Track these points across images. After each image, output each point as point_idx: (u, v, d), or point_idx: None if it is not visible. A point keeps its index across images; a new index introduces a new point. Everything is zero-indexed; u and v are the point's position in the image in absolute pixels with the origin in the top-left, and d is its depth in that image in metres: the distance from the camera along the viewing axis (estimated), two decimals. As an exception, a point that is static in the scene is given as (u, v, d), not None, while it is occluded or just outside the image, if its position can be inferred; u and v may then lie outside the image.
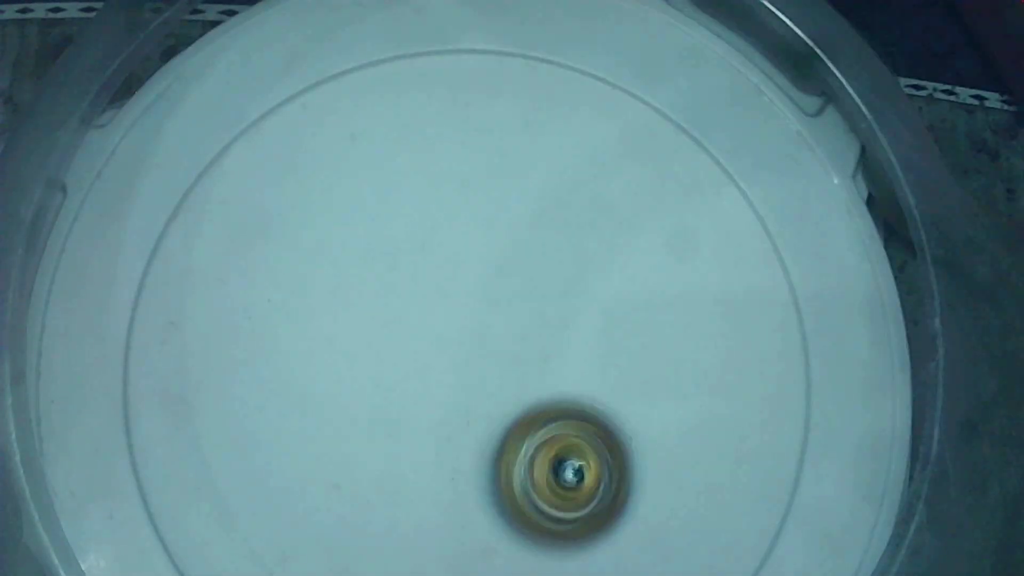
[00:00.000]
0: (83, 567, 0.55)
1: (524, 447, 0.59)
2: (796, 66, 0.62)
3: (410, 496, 0.59)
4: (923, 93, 0.76)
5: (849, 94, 0.59)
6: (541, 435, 0.59)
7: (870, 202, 0.62)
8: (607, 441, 0.59)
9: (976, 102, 0.76)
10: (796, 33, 0.60)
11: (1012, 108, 0.76)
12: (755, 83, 0.62)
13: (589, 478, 0.58)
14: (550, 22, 0.62)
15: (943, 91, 0.76)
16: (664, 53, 0.62)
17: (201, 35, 0.62)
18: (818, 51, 0.60)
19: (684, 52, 0.62)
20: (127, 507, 0.57)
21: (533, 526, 0.58)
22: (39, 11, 0.72)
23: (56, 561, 0.54)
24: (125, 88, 0.60)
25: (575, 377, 0.60)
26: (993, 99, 0.76)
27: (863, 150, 0.62)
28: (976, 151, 0.75)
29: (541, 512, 0.58)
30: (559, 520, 0.59)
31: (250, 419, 0.58)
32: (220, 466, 0.58)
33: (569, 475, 0.58)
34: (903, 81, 0.75)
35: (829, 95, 0.62)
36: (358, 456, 0.59)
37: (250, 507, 0.57)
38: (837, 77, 0.60)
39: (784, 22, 0.60)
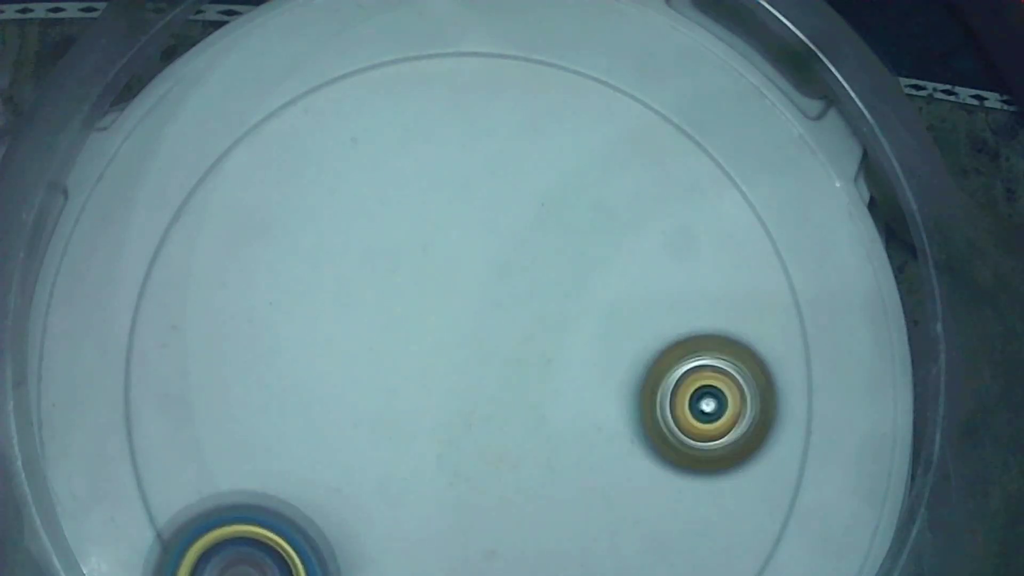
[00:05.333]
0: (84, 570, 0.55)
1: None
2: (798, 69, 0.61)
3: (411, 500, 0.59)
4: (923, 93, 0.76)
5: (850, 97, 0.59)
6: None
7: (872, 205, 0.62)
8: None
9: (976, 102, 0.76)
10: (797, 35, 0.59)
11: (1012, 108, 0.76)
12: (756, 86, 0.62)
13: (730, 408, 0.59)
14: (551, 24, 0.62)
15: (943, 91, 0.76)
16: (665, 55, 0.62)
17: (201, 35, 0.62)
18: (819, 53, 0.59)
19: (685, 54, 0.62)
20: (128, 510, 0.57)
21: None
22: (39, 11, 0.72)
23: (57, 564, 0.55)
24: (127, 91, 0.60)
25: (576, 379, 0.60)
26: (993, 99, 0.76)
27: (865, 154, 0.62)
28: (976, 151, 0.75)
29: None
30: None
31: (251, 422, 0.59)
32: (221, 470, 0.58)
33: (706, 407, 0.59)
34: (903, 81, 0.75)
35: (831, 98, 0.61)
36: (359, 460, 0.59)
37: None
38: (838, 79, 0.59)
39: (784, 24, 0.60)
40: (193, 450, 0.58)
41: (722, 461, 0.59)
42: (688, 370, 0.59)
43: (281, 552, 0.57)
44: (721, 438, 0.59)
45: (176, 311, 0.59)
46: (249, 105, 0.60)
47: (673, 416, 0.58)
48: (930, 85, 0.76)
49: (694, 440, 0.59)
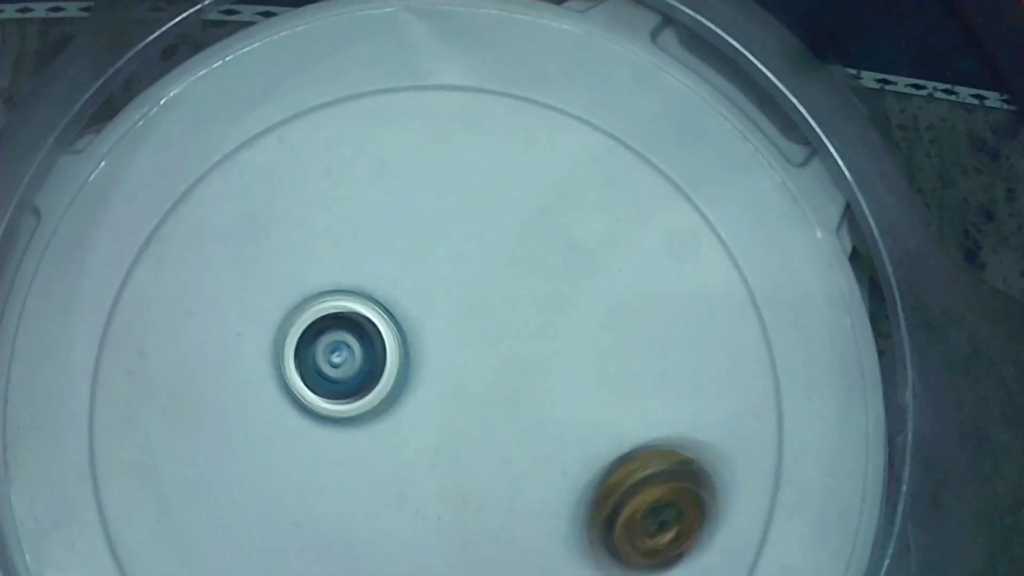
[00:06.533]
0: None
1: None
2: (782, 113, 0.61)
3: (372, 535, 0.59)
4: (923, 93, 0.75)
5: (830, 153, 0.58)
6: None
7: (855, 256, 0.61)
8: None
9: (976, 102, 0.75)
10: (777, 85, 0.59)
11: (1012, 108, 0.75)
12: (740, 130, 0.61)
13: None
14: (533, 60, 0.61)
15: (943, 91, 0.76)
16: (649, 97, 0.61)
17: (203, 35, 0.63)
18: (800, 107, 0.59)
19: (668, 96, 0.61)
20: (88, 536, 0.57)
21: None
22: (39, 11, 0.72)
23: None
24: (107, 108, 0.60)
25: (543, 423, 0.60)
26: (993, 99, 0.76)
27: (848, 204, 0.61)
28: (976, 151, 0.74)
29: None
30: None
31: (213, 453, 0.58)
32: (182, 499, 0.58)
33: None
34: (903, 81, 0.75)
35: (816, 145, 0.60)
36: (319, 493, 0.59)
37: (210, 542, 0.58)
38: (818, 135, 0.59)
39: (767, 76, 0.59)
40: (154, 479, 0.58)
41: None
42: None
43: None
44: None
45: (144, 338, 0.59)
46: (224, 133, 0.60)
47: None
48: (930, 84, 0.76)
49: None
